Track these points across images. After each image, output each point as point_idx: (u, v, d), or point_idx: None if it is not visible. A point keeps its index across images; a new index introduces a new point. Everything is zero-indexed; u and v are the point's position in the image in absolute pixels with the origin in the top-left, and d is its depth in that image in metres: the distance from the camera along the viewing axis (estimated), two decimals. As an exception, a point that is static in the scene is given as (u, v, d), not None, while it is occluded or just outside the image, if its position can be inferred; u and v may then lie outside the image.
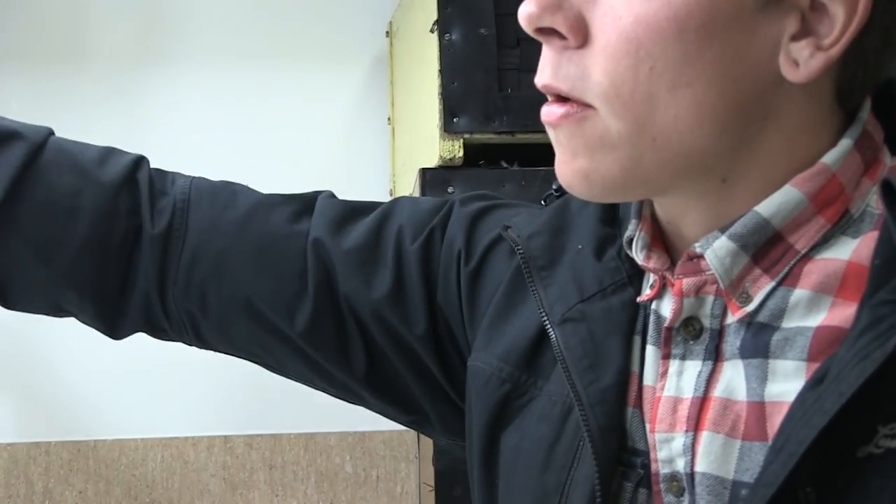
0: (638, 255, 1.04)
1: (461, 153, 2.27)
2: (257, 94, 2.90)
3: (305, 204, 1.35)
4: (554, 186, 1.21)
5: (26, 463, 2.73)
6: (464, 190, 2.26)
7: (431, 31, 2.30)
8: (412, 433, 2.78)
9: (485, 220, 1.26)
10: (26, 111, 2.76)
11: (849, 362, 0.86)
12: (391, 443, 2.82)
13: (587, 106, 0.93)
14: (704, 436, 0.96)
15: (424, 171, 2.32)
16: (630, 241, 1.05)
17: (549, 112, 0.95)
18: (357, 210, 1.32)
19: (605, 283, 1.09)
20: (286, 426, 2.82)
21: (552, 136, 0.98)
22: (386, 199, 2.78)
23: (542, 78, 0.96)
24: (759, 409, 0.93)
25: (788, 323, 0.94)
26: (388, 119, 2.87)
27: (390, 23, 2.88)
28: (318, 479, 2.80)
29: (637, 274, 1.08)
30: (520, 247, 1.15)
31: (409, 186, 2.53)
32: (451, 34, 2.27)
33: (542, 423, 1.10)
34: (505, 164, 2.32)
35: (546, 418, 1.10)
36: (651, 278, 1.05)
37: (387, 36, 2.90)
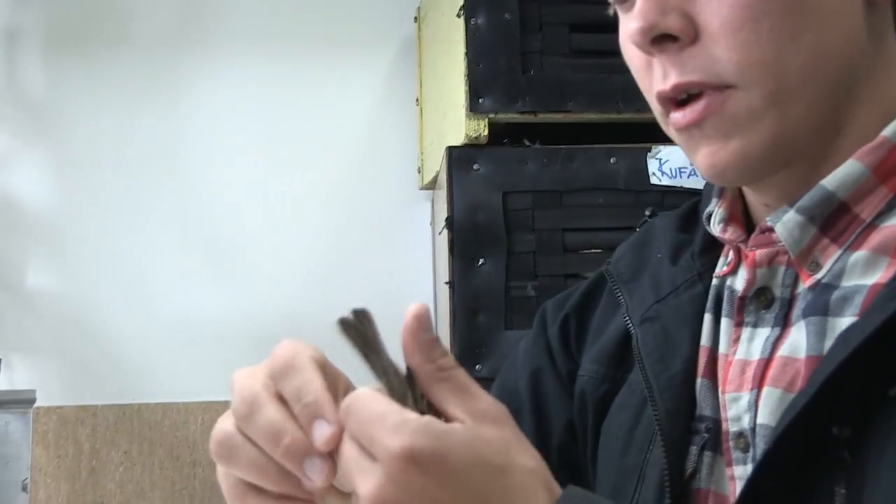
0: (715, 228, 1.08)
1: (486, 132, 2.29)
2: (292, 77, 2.92)
3: None
4: (647, 213, 1.24)
5: (75, 424, 2.75)
6: (489, 166, 2.28)
7: (458, 15, 2.32)
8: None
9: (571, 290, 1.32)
10: (74, 92, 2.81)
11: (870, 311, 0.89)
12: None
13: (725, 87, 0.96)
14: (765, 391, 0.98)
15: (451, 150, 2.33)
16: (709, 217, 1.09)
17: (690, 112, 0.98)
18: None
19: (678, 283, 1.13)
20: (321, 392, 2.83)
21: (692, 137, 1.00)
22: (414, 176, 2.82)
23: (670, 80, 0.98)
24: (816, 363, 0.94)
25: (847, 282, 0.96)
26: (417, 100, 2.88)
27: (418, 8, 2.89)
28: (350, 443, 2.81)
29: (707, 270, 1.12)
30: (609, 268, 1.22)
31: (436, 164, 2.54)
32: (476, 19, 2.28)
33: (624, 410, 1.14)
34: (527, 143, 2.32)
35: (626, 407, 1.14)
36: (728, 256, 1.08)
37: (415, 21, 2.91)
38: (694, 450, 1.05)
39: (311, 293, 2.87)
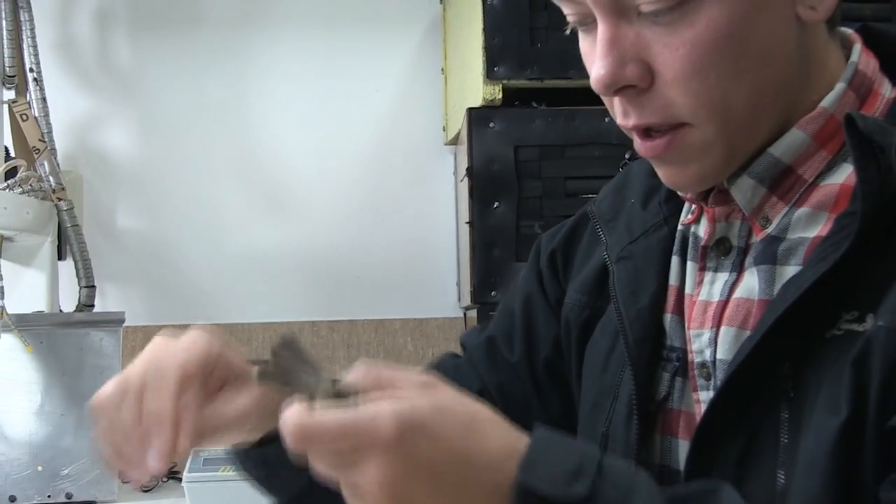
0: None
1: (500, 95, 2.30)
2: (338, 51, 2.91)
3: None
4: (627, 155, 1.24)
5: (157, 341, 2.75)
6: (503, 124, 2.28)
7: (477, -3, 2.30)
8: (460, 320, 2.81)
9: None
10: (156, 63, 2.81)
11: (812, 263, 0.90)
12: (444, 327, 2.85)
13: (680, 125, 0.95)
14: (723, 330, 0.99)
15: (471, 111, 2.33)
16: None
17: (654, 147, 0.97)
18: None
19: (648, 226, 1.12)
20: (361, 314, 2.85)
21: (657, 162, 1.00)
22: (440, 133, 2.81)
23: (631, 120, 0.97)
24: (765, 306, 0.95)
25: (792, 235, 0.96)
26: (442, 69, 2.88)
27: (444, -8, 2.87)
28: (386, 356, 2.84)
29: (673, 214, 1.11)
30: (592, 208, 1.21)
31: (458, 123, 2.54)
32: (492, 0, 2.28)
33: (603, 336, 1.15)
34: (535, 105, 2.32)
35: (606, 332, 1.15)
36: (692, 206, 1.07)
37: (440, 2, 2.89)
38: (667, 376, 1.05)
39: (352, 231, 2.87)
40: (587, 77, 0.99)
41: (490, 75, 2.28)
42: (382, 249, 2.87)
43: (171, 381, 1.00)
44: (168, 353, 1.04)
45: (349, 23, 2.91)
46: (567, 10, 0.99)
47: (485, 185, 2.28)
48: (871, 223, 0.86)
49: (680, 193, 1.08)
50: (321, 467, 0.78)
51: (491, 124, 2.29)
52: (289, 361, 0.82)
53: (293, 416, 0.77)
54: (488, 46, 2.28)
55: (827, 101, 0.96)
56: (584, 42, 1.01)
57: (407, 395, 0.79)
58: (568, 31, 1.05)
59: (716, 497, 0.81)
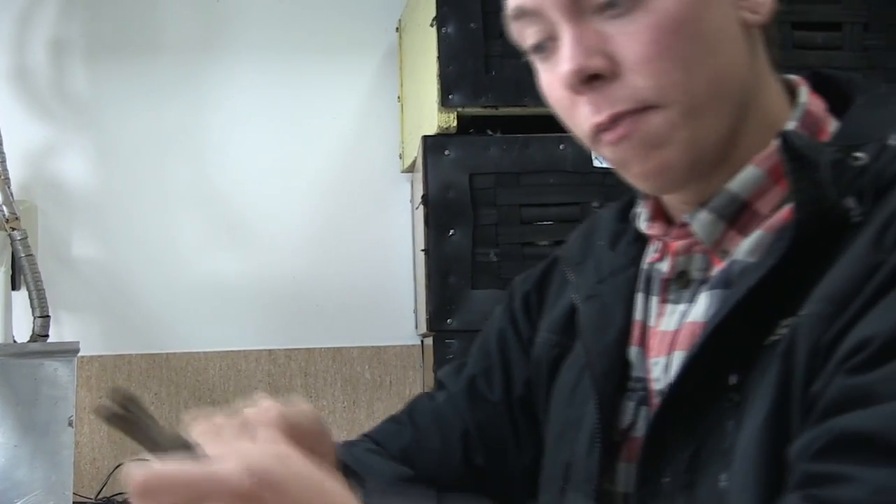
0: (643, 226, 1.10)
1: (455, 123, 2.28)
2: (294, 79, 2.90)
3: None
4: (595, 204, 1.26)
5: (112, 371, 2.74)
6: (458, 151, 2.28)
7: (431, 25, 2.30)
8: (418, 348, 2.79)
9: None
10: (112, 91, 2.78)
11: (749, 273, 0.93)
12: (401, 355, 2.83)
13: (648, 108, 0.95)
14: (675, 355, 1.01)
15: (426, 138, 2.32)
16: (637, 216, 1.11)
17: (620, 130, 0.97)
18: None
19: (616, 266, 1.14)
20: (318, 342, 2.83)
21: (623, 151, 0.99)
22: (396, 161, 2.79)
23: (605, 113, 0.97)
24: None
25: (745, 257, 0.97)
26: (398, 97, 2.87)
27: (399, 20, 2.86)
28: (343, 384, 2.81)
29: (638, 255, 1.12)
30: (562, 253, 1.24)
31: (414, 151, 2.53)
32: (447, 28, 2.27)
33: (570, 370, 1.16)
34: (490, 132, 2.31)
35: (572, 367, 1.16)
36: (656, 245, 1.09)
37: (396, 31, 2.89)
38: (631, 405, 1.06)
39: (309, 259, 2.85)
40: (542, 104, 1.01)
41: (445, 103, 2.27)
42: (340, 277, 2.85)
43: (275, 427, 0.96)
44: (268, 412, 0.99)
45: (306, 51, 2.90)
46: (530, 30, 1.01)
47: (440, 212, 2.27)
48: (805, 233, 0.89)
49: (643, 228, 1.10)
50: None
51: (446, 152, 2.27)
52: (136, 410, 0.83)
53: (139, 468, 0.74)
54: (443, 74, 2.26)
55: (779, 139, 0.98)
56: (543, 70, 1.02)
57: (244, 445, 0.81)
58: (527, 57, 1.05)
59: None
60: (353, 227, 2.86)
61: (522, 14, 1.00)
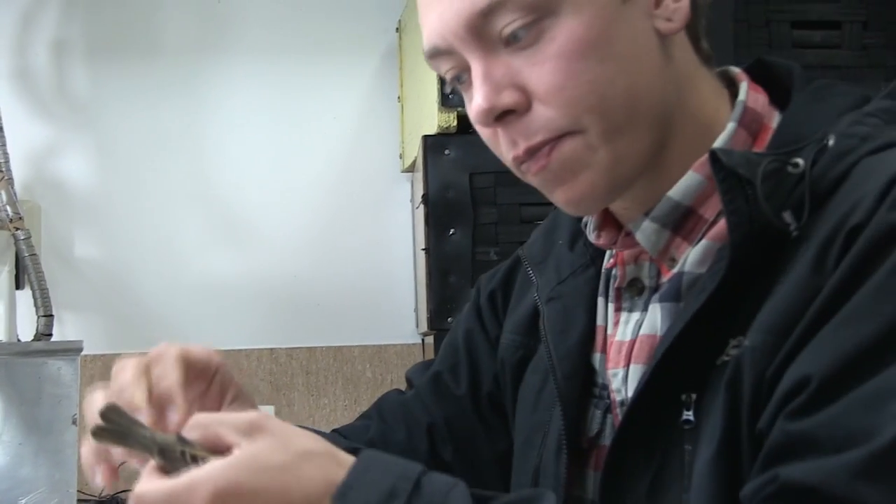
0: (591, 235, 1.09)
1: (455, 123, 2.29)
2: (294, 79, 2.90)
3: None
4: None
5: (115, 370, 2.73)
6: (458, 151, 2.28)
7: (431, 26, 2.28)
8: (419, 346, 2.80)
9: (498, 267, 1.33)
10: (112, 92, 2.78)
11: (695, 294, 0.92)
12: (402, 354, 2.83)
13: (564, 135, 0.94)
14: (632, 368, 1.00)
15: (426, 138, 2.33)
16: (586, 224, 1.09)
17: (538, 160, 0.96)
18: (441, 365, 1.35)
19: (575, 267, 1.13)
20: (319, 341, 2.83)
21: (547, 181, 0.98)
22: (396, 161, 2.80)
23: (521, 146, 0.96)
24: None
25: (692, 269, 0.96)
26: (398, 97, 2.87)
27: (399, 20, 2.87)
28: (345, 383, 2.82)
29: (599, 255, 1.11)
30: (524, 252, 1.23)
31: (414, 150, 2.53)
32: (447, 28, 2.25)
33: (534, 374, 1.16)
34: (490, 132, 2.30)
35: (536, 371, 1.16)
36: (612, 251, 1.08)
37: (396, 31, 2.89)
38: (598, 413, 1.06)
39: (310, 258, 2.86)
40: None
41: (445, 103, 2.27)
42: (341, 276, 2.85)
43: (173, 359, 1.00)
44: (169, 348, 1.04)
45: (306, 52, 2.90)
46: (443, 67, 1.01)
47: (440, 212, 2.27)
48: (742, 253, 0.88)
49: (591, 238, 1.09)
50: None
51: (446, 151, 2.28)
52: (123, 421, 0.87)
53: (137, 490, 0.84)
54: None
55: (719, 142, 0.97)
56: (466, 100, 1.01)
57: (233, 442, 0.84)
58: (450, 91, 1.05)
59: None
60: (354, 227, 2.87)
61: (436, 53, 1.00)
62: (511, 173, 2.18)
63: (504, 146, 0.98)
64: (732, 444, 0.86)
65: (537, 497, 0.84)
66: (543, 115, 0.93)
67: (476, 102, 0.94)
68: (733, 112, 0.99)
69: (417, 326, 2.75)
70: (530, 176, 0.98)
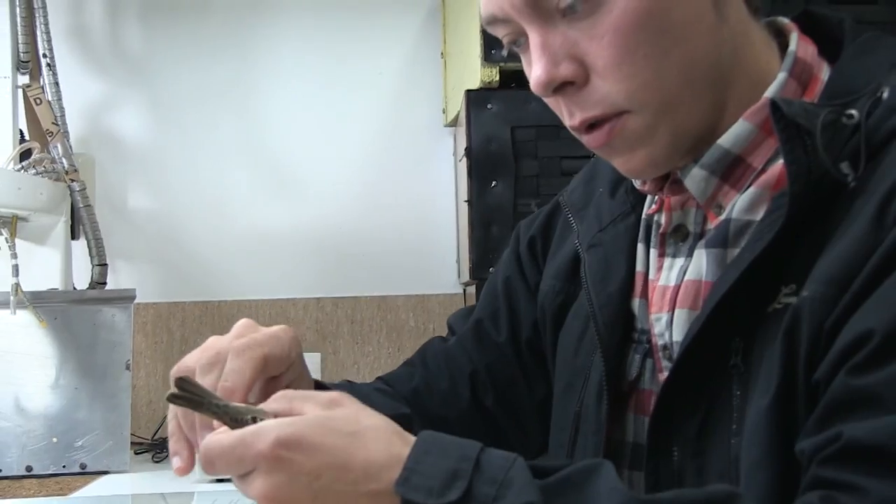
0: (637, 182, 1.08)
1: (497, 77, 2.28)
2: (340, 37, 2.90)
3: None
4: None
5: (167, 317, 2.78)
6: (500, 105, 2.27)
7: (474, -18, 2.28)
8: (460, 296, 2.80)
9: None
10: (166, 48, 2.81)
11: (751, 243, 0.92)
12: (444, 303, 2.84)
13: (622, 113, 0.95)
14: (677, 312, 1.00)
15: (469, 92, 2.32)
16: None
17: (597, 137, 0.97)
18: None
19: (616, 214, 1.13)
20: (364, 290, 2.85)
21: (605, 153, 1.00)
22: (440, 116, 2.80)
23: (577, 118, 0.97)
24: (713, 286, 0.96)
25: (740, 216, 0.96)
26: (441, 53, 2.87)
27: (443, -22, 2.86)
28: (388, 332, 2.84)
29: (640, 202, 1.11)
30: (564, 198, 1.23)
31: (457, 105, 2.53)
32: (489, -16, 2.24)
33: (575, 320, 1.17)
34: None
35: (578, 317, 1.16)
36: (655, 196, 1.08)
37: (440, -12, 2.88)
38: (637, 358, 1.06)
39: (355, 211, 2.87)
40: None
41: (487, 58, 2.26)
42: (385, 228, 2.86)
43: (250, 366, 0.99)
44: (258, 333, 1.04)
45: (352, 8, 2.89)
46: (500, 32, 1.01)
47: (483, 164, 2.27)
48: (801, 203, 0.87)
49: (637, 185, 1.09)
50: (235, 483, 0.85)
51: (489, 106, 2.28)
52: (197, 390, 0.88)
53: (204, 442, 0.86)
54: (486, 30, 2.24)
55: (770, 91, 0.97)
56: (524, 62, 1.02)
57: (306, 412, 0.85)
58: (506, 53, 1.05)
59: (591, 480, 0.82)
60: (398, 180, 2.88)
61: (493, 20, 1.00)
62: (552, 127, 2.17)
63: (564, 113, 0.99)
64: (789, 394, 0.85)
65: (596, 467, 0.83)
66: (601, 90, 0.94)
67: (535, 74, 0.95)
68: (784, 62, 0.99)
69: (459, 277, 2.76)
70: (590, 144, 0.99)
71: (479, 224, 2.27)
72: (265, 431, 0.81)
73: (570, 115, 0.98)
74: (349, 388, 1.27)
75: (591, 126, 0.97)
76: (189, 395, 0.88)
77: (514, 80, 2.31)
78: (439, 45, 2.87)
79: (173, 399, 0.88)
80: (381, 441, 0.83)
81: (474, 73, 2.32)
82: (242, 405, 0.89)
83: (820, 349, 0.84)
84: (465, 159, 2.33)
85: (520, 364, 1.28)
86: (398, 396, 1.29)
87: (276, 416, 0.86)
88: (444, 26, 2.85)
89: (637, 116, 0.95)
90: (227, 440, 0.83)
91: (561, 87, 0.95)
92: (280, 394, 0.88)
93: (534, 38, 0.95)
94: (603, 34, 0.92)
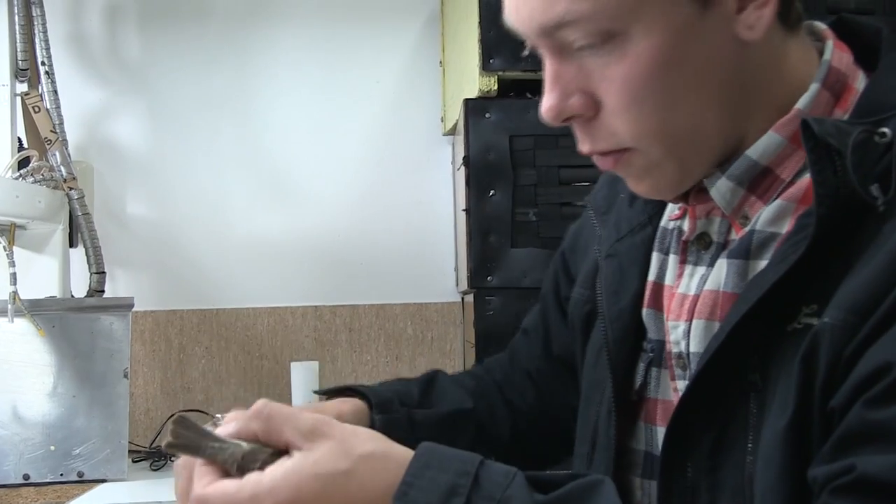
0: None
1: (496, 87, 2.27)
2: (339, 44, 2.88)
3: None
4: None
5: (165, 325, 2.77)
6: (498, 114, 2.26)
7: (473, -9, 2.27)
8: (458, 305, 2.80)
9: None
10: (164, 56, 2.80)
11: (775, 262, 0.89)
12: (442, 312, 2.83)
13: (626, 150, 0.95)
14: (695, 323, 0.98)
15: (467, 101, 2.31)
16: None
17: (604, 163, 0.98)
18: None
19: (633, 224, 1.12)
20: (362, 299, 2.83)
21: (616, 174, 1.01)
22: (438, 124, 2.79)
23: (584, 147, 0.98)
24: (732, 298, 0.95)
25: (764, 228, 0.94)
26: (440, 62, 2.86)
27: (442, -13, 2.85)
28: (387, 340, 2.82)
29: (657, 213, 1.11)
30: (589, 199, 1.22)
31: (455, 114, 2.52)
32: (488, -6, 2.24)
33: (598, 332, 1.15)
34: (529, 95, 2.29)
35: (598, 328, 1.15)
36: (679, 203, 1.06)
37: (439, -3, 2.88)
38: (642, 366, 1.06)
39: (353, 219, 2.86)
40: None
41: (486, 67, 2.25)
42: (383, 237, 2.85)
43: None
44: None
45: (351, 17, 2.88)
46: (521, 36, 1.01)
47: (481, 173, 2.26)
48: (828, 225, 0.85)
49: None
50: None
51: (487, 115, 2.27)
52: (191, 433, 0.87)
53: (198, 489, 0.84)
54: (484, 39, 2.25)
55: (801, 103, 0.95)
56: (543, 68, 1.01)
57: (293, 443, 0.84)
58: (527, 53, 1.05)
59: (589, 499, 0.81)
60: (396, 188, 2.86)
61: (513, 29, 1.00)
62: (550, 136, 2.17)
63: (577, 135, 0.99)
64: (804, 419, 0.84)
65: (595, 485, 0.83)
66: (609, 127, 0.94)
67: (545, 105, 0.96)
68: (818, 72, 0.96)
69: (458, 285, 2.75)
70: (604, 168, 1.00)
71: (478, 233, 2.26)
72: (262, 494, 0.81)
73: (580, 141, 0.98)
74: (434, 373, 1.33)
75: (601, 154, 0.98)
76: (184, 440, 0.87)
77: (512, 89, 2.30)
78: (438, 54, 2.86)
79: (170, 447, 0.87)
80: (378, 470, 0.83)
81: (473, 81, 2.31)
82: (234, 442, 0.87)
83: (838, 376, 0.82)
84: (463, 168, 2.31)
85: (555, 376, 1.32)
86: (480, 386, 1.34)
87: (266, 453, 0.85)
88: (442, 35, 2.85)
89: (641, 154, 0.95)
90: (223, 499, 0.83)
91: (570, 118, 0.96)
92: (258, 407, 0.87)
93: (548, 66, 0.96)
94: (615, 77, 0.91)
